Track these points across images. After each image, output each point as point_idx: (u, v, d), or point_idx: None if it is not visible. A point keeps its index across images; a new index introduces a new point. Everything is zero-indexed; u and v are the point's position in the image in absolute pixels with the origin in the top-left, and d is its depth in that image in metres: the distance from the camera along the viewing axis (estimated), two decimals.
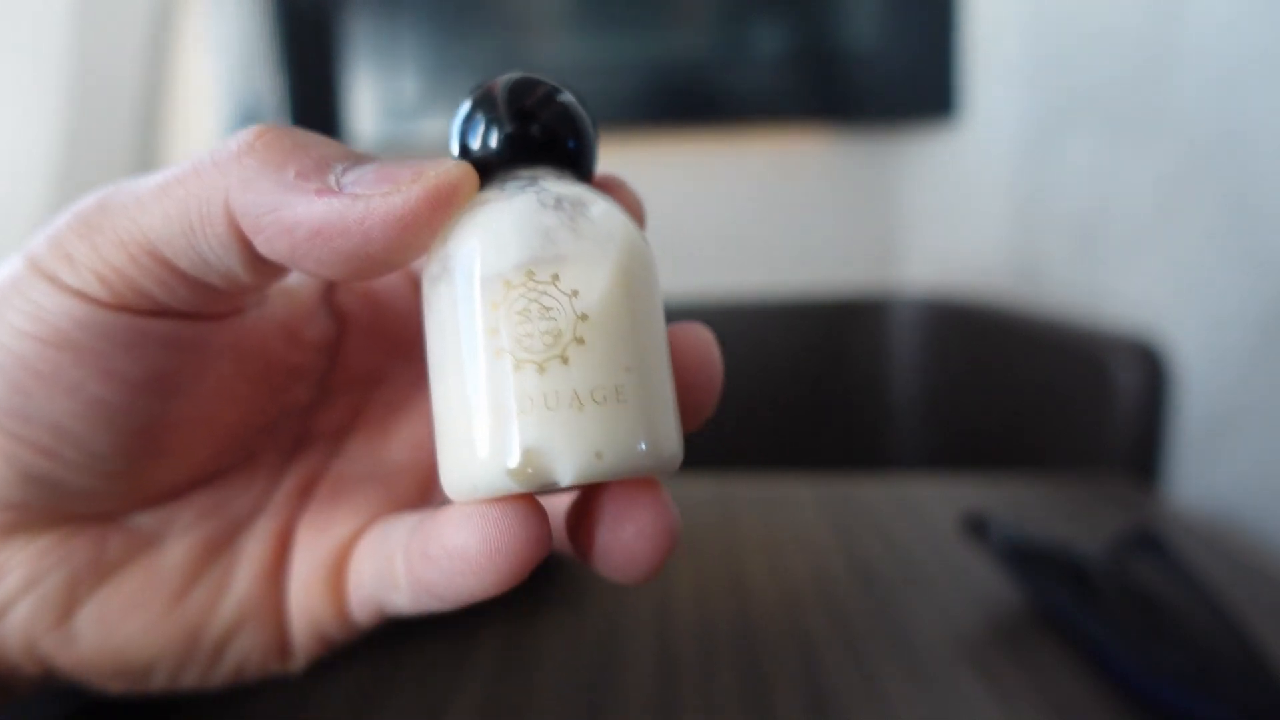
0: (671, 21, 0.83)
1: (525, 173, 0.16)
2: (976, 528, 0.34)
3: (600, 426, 0.14)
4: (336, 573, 0.20)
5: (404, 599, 0.18)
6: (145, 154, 0.87)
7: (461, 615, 0.29)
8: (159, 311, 0.16)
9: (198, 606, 0.20)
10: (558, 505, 0.18)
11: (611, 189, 0.18)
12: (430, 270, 0.16)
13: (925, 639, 0.30)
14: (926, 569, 0.35)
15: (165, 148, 0.89)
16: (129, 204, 0.16)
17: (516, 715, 0.26)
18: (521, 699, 0.27)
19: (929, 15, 0.77)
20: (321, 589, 0.20)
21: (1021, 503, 0.43)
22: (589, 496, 0.17)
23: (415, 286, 0.21)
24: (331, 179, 0.15)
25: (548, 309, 0.14)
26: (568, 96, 0.17)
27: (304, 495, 0.21)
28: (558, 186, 0.16)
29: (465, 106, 0.17)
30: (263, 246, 0.15)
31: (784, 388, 0.81)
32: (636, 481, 0.16)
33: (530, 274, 0.15)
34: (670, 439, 0.15)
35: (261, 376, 0.20)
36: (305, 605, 0.20)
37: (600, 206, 0.16)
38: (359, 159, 0.16)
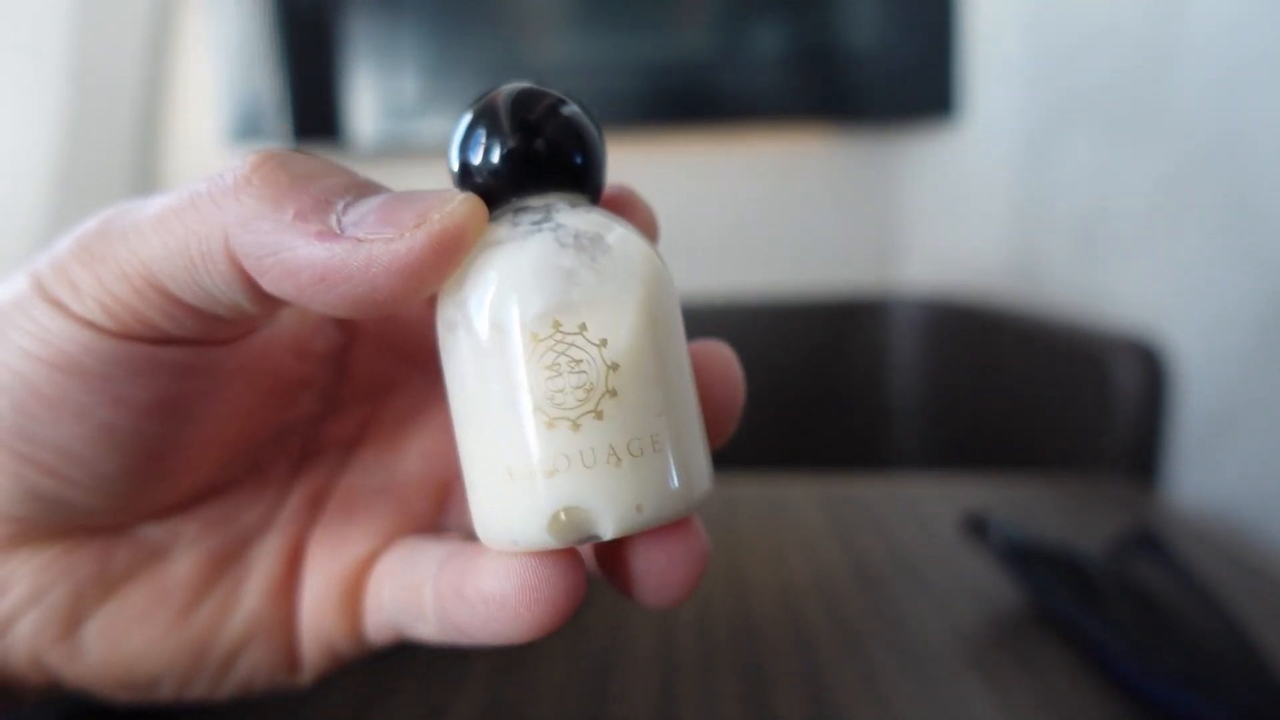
0: (672, 21, 0.83)
1: (537, 202, 0.16)
2: (976, 528, 0.34)
3: (639, 480, 0.14)
4: (352, 592, 0.20)
5: (430, 631, 0.17)
6: (145, 154, 0.87)
7: None
8: (166, 340, 0.16)
9: (206, 621, 0.19)
10: None
11: (623, 206, 0.17)
12: (445, 315, 0.15)
13: (925, 639, 0.30)
14: (926, 569, 0.35)
15: (165, 148, 0.89)
16: (129, 233, 0.15)
17: (517, 715, 0.26)
18: (522, 699, 0.27)
19: (929, 15, 0.77)
20: (336, 607, 0.19)
21: (1021, 503, 0.43)
22: None
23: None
24: (332, 219, 0.14)
25: (577, 361, 0.14)
26: (573, 107, 0.16)
27: (314, 508, 0.21)
28: (573, 219, 0.15)
29: (465, 120, 0.16)
30: (267, 285, 0.15)
31: (784, 388, 0.81)
32: None
33: (556, 324, 0.14)
34: (702, 473, 0.15)
35: (270, 391, 0.19)
36: (317, 622, 0.20)
37: (618, 236, 0.15)
38: (361, 190, 0.15)
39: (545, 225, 0.15)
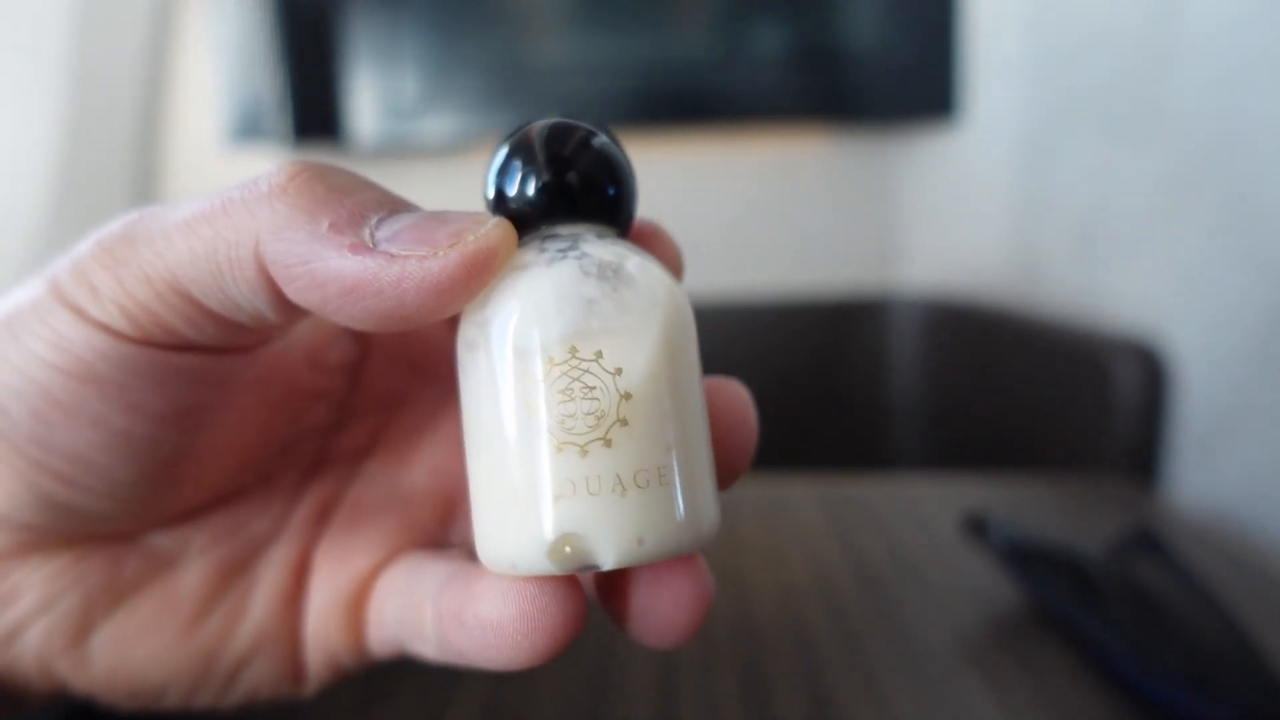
0: (671, 21, 0.83)
1: (565, 231, 0.16)
2: (976, 528, 0.34)
3: (643, 511, 0.14)
4: (355, 606, 0.20)
5: (430, 650, 0.17)
6: (145, 154, 0.87)
7: None
8: (185, 346, 0.16)
9: (213, 632, 0.19)
10: None
11: (650, 240, 0.18)
12: (466, 335, 0.15)
13: (925, 639, 0.30)
14: (926, 569, 0.35)
15: (165, 148, 0.89)
16: (155, 237, 0.15)
17: (517, 715, 0.26)
18: (522, 699, 0.27)
19: (929, 15, 0.77)
20: (339, 621, 0.19)
21: (1021, 503, 0.43)
22: None
23: None
24: (366, 233, 0.14)
25: (591, 388, 0.14)
26: (604, 140, 0.16)
27: (322, 519, 0.21)
28: (599, 250, 0.15)
29: (501, 153, 0.16)
30: (293, 295, 0.15)
31: (784, 388, 0.81)
32: None
33: (573, 350, 0.14)
34: (709, 511, 0.15)
35: (284, 401, 0.19)
36: (322, 635, 0.20)
37: (642, 270, 0.15)
38: (395, 207, 0.15)
39: (571, 253, 0.15)
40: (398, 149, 0.86)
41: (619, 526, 0.14)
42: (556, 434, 0.14)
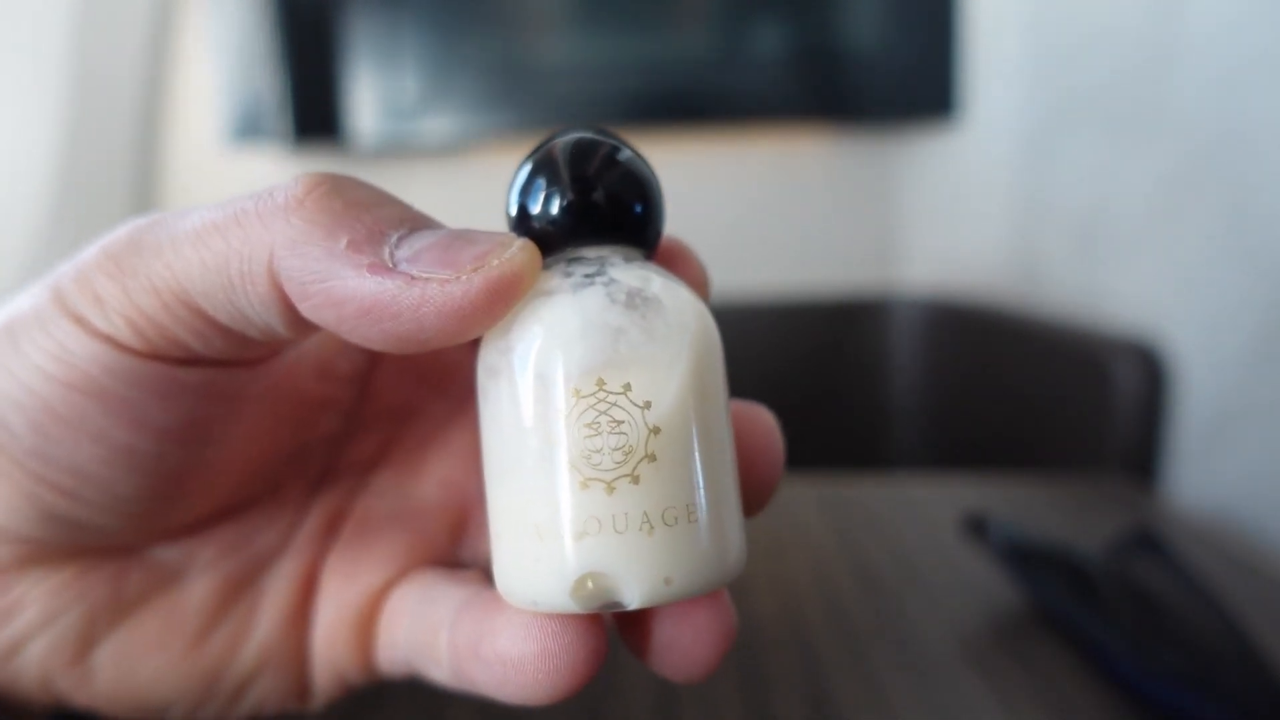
0: (672, 21, 0.83)
1: (591, 253, 0.15)
2: (976, 528, 0.34)
3: (670, 550, 0.14)
4: (365, 623, 0.19)
5: (443, 677, 0.17)
6: (145, 154, 0.87)
7: None
8: (192, 360, 0.16)
9: (219, 649, 0.19)
10: None
11: (675, 259, 0.17)
12: (487, 361, 0.15)
13: (925, 639, 0.30)
14: (926, 569, 0.35)
15: (165, 148, 0.89)
16: (164, 246, 0.14)
17: (516, 715, 0.26)
18: None
19: (929, 15, 0.77)
20: (348, 639, 0.19)
21: (1021, 503, 0.43)
22: None
23: None
24: (385, 251, 0.14)
25: (618, 422, 0.14)
26: (630, 155, 0.16)
27: (330, 533, 0.20)
28: (627, 275, 0.15)
29: (524, 171, 0.16)
30: (308, 312, 0.14)
31: (784, 388, 0.81)
32: None
33: (600, 382, 0.14)
34: (736, 546, 0.15)
35: (292, 413, 0.19)
36: (329, 652, 0.19)
37: (671, 296, 0.15)
38: (415, 224, 0.15)
39: (598, 279, 0.14)
40: (398, 149, 0.86)
41: (646, 566, 0.14)
42: (582, 469, 0.14)
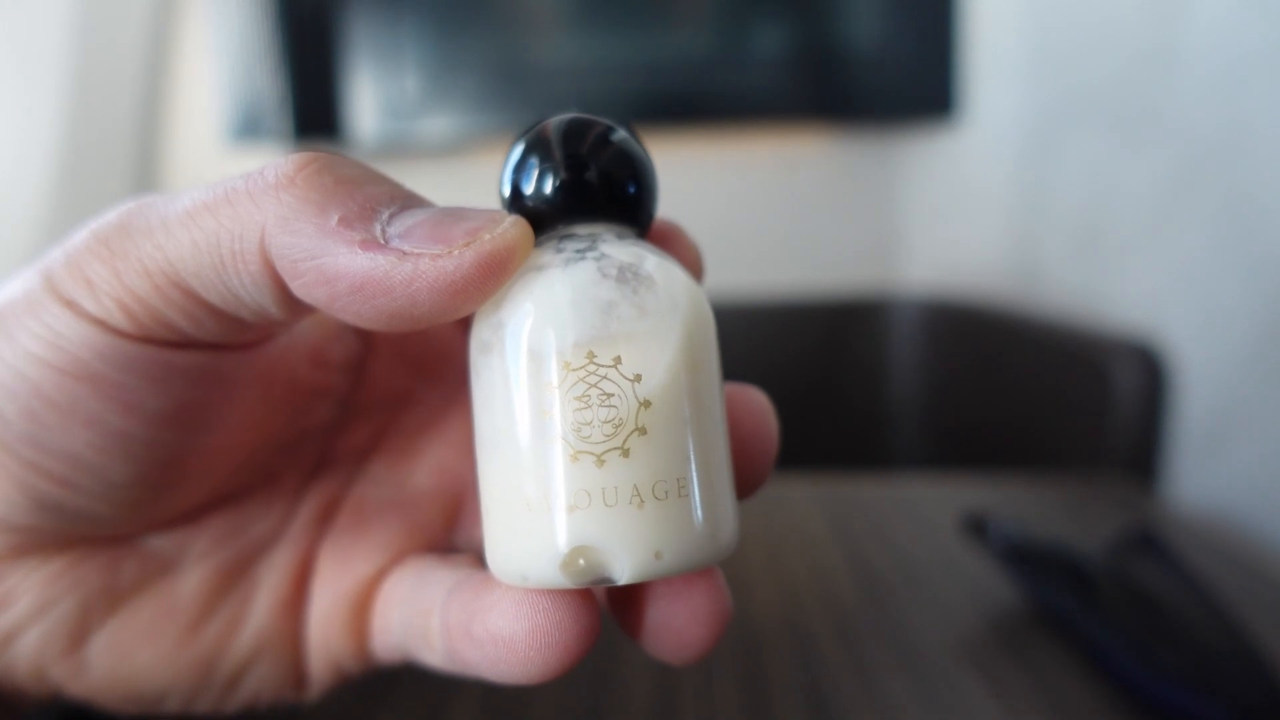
0: (671, 21, 0.83)
1: (584, 231, 0.15)
2: (976, 528, 0.34)
3: (661, 524, 0.14)
4: (359, 611, 0.19)
5: (437, 660, 0.17)
6: (145, 154, 0.87)
7: None
8: (185, 343, 0.15)
9: (214, 637, 0.19)
10: None
11: (668, 240, 0.17)
12: (479, 336, 0.15)
13: (925, 639, 0.30)
14: (926, 569, 0.35)
15: (165, 147, 0.89)
16: (155, 228, 0.14)
17: (517, 714, 0.26)
18: (522, 699, 0.27)
19: (929, 15, 0.77)
20: (343, 626, 0.19)
21: (1021, 503, 0.43)
22: None
23: None
24: (377, 228, 0.14)
25: (608, 395, 0.14)
26: (622, 134, 0.16)
27: (324, 521, 0.20)
28: (618, 251, 0.15)
29: (518, 150, 0.16)
30: (299, 291, 0.14)
31: (784, 388, 0.81)
32: None
33: (591, 355, 0.14)
34: (729, 524, 0.15)
35: (286, 399, 0.19)
36: (324, 640, 0.19)
37: (663, 272, 0.15)
38: (407, 202, 0.14)
39: (589, 254, 0.14)
40: (398, 149, 0.86)
41: (636, 540, 0.13)
42: (572, 442, 0.13)
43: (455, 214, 0.14)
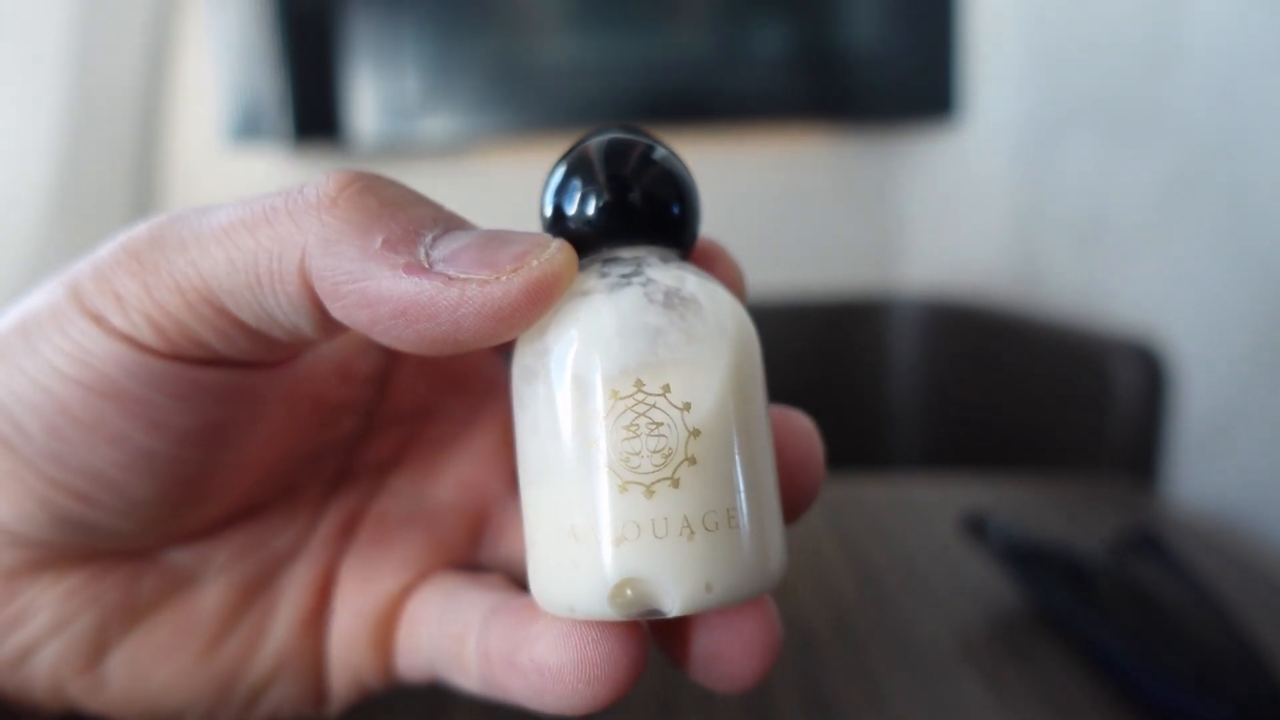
0: (672, 21, 0.83)
1: (628, 254, 0.15)
2: (976, 528, 0.34)
3: (710, 556, 0.13)
4: (384, 628, 0.19)
5: (472, 685, 0.17)
6: (145, 154, 0.87)
7: None
8: (214, 361, 0.15)
9: (234, 654, 0.18)
10: None
11: (712, 261, 0.17)
12: (523, 363, 0.14)
13: (925, 639, 0.30)
14: (926, 569, 0.35)
15: (165, 148, 0.89)
16: (188, 243, 0.14)
17: (517, 715, 0.26)
18: None
19: (929, 15, 0.77)
20: (366, 643, 0.19)
21: (1021, 503, 0.43)
22: None
23: None
24: (421, 251, 0.13)
25: (657, 424, 0.13)
26: (664, 153, 0.15)
27: (346, 535, 0.20)
28: (664, 275, 0.14)
29: (560, 172, 0.15)
30: (338, 313, 0.14)
31: (784, 388, 0.81)
32: None
33: (639, 384, 0.13)
34: (777, 552, 0.14)
35: (311, 414, 0.19)
36: (347, 657, 0.19)
37: (710, 297, 0.14)
38: (449, 224, 0.14)
39: (635, 279, 0.14)
40: (398, 149, 0.86)
41: (686, 572, 0.13)
42: (620, 472, 0.13)
43: (501, 238, 0.14)
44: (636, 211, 0.15)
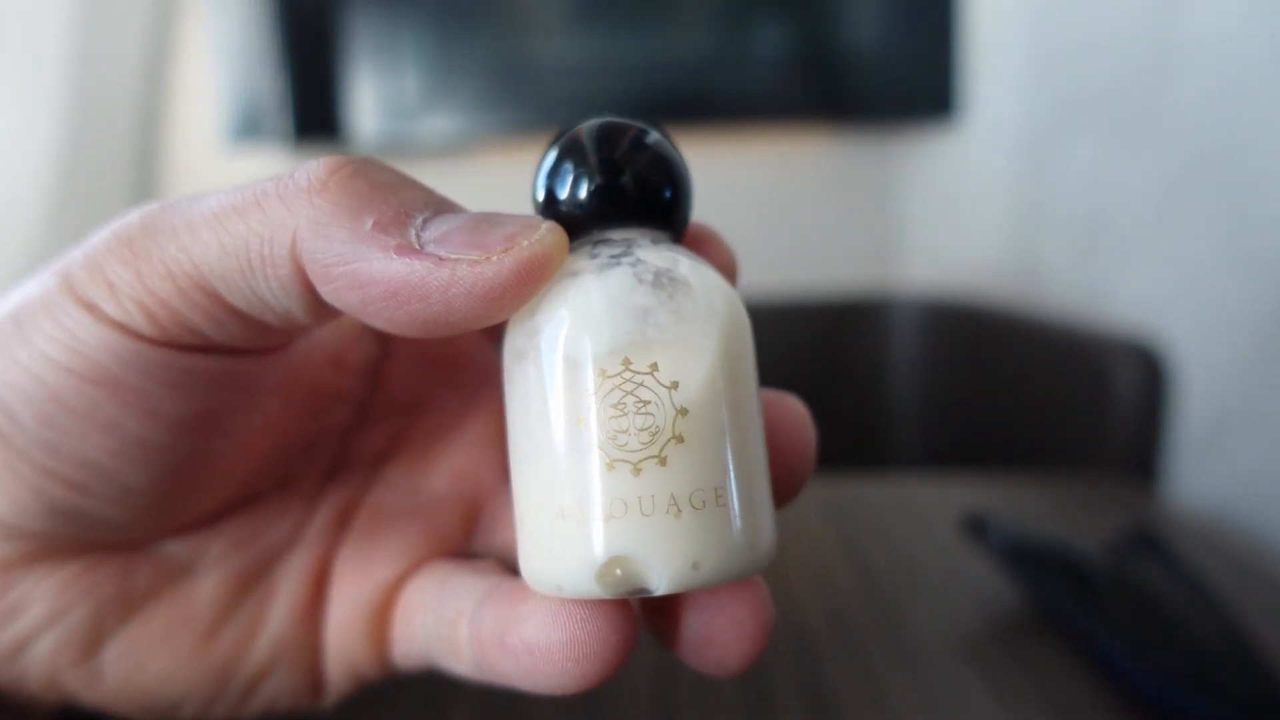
0: (672, 21, 0.83)
1: (618, 235, 0.15)
2: (976, 528, 0.34)
3: (698, 534, 0.13)
4: (379, 618, 0.19)
5: (465, 669, 0.17)
6: (145, 153, 0.87)
7: None
8: (206, 347, 0.15)
9: (230, 645, 0.18)
10: None
11: (703, 244, 0.17)
12: (513, 344, 0.15)
13: (925, 639, 0.30)
14: (926, 569, 0.35)
15: (165, 147, 0.89)
16: (179, 230, 0.14)
17: (517, 714, 0.26)
18: (522, 698, 0.27)
19: (930, 16, 0.77)
20: (362, 633, 0.19)
21: (1021, 503, 0.43)
22: None
23: None
24: (412, 233, 0.14)
25: (645, 403, 0.13)
26: (656, 137, 0.16)
27: (341, 526, 0.20)
28: (654, 256, 0.14)
29: (551, 155, 0.16)
30: (329, 296, 0.14)
31: (783, 388, 0.81)
32: None
33: (627, 362, 0.13)
34: (767, 533, 0.14)
35: (304, 403, 0.19)
36: (343, 647, 0.19)
37: (699, 278, 0.14)
38: (440, 207, 0.14)
39: (624, 259, 0.14)
40: (398, 149, 0.86)
41: (673, 550, 0.13)
42: (608, 450, 0.13)
43: (491, 219, 0.14)
44: (627, 194, 0.15)
